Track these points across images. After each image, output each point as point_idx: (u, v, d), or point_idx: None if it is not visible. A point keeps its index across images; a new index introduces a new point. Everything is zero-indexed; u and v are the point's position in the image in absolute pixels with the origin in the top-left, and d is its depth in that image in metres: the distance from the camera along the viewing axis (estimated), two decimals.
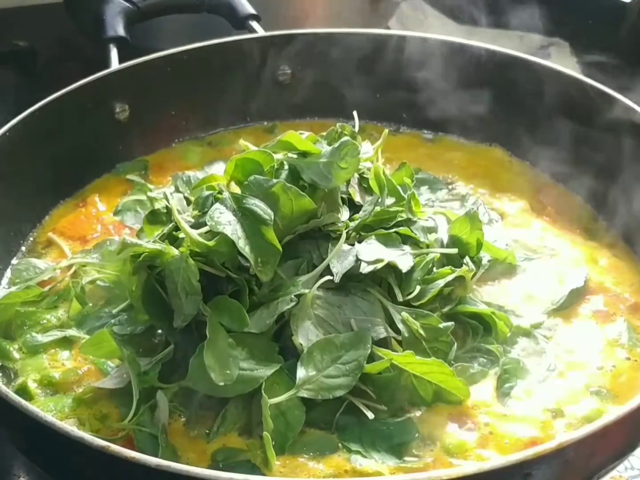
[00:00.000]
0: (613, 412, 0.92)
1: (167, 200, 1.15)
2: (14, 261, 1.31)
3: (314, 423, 1.03)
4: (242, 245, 1.04)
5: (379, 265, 1.08)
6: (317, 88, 1.58)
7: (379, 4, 1.98)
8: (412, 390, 1.04)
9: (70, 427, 0.89)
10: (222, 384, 0.99)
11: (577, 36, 1.90)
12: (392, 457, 1.00)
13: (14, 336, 1.17)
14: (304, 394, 1.00)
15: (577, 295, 1.21)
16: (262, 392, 1.00)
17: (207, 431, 1.03)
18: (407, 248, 1.13)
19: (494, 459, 0.95)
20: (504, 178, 1.46)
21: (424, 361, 1.04)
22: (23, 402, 0.92)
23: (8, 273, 1.29)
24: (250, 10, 1.67)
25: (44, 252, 1.33)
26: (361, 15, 1.97)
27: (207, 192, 1.13)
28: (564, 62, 1.75)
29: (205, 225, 1.06)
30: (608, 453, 0.95)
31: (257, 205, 1.06)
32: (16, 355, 1.15)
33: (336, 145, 1.16)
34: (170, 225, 1.12)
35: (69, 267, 1.26)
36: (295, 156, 1.16)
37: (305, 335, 1.04)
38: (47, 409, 1.06)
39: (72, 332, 1.16)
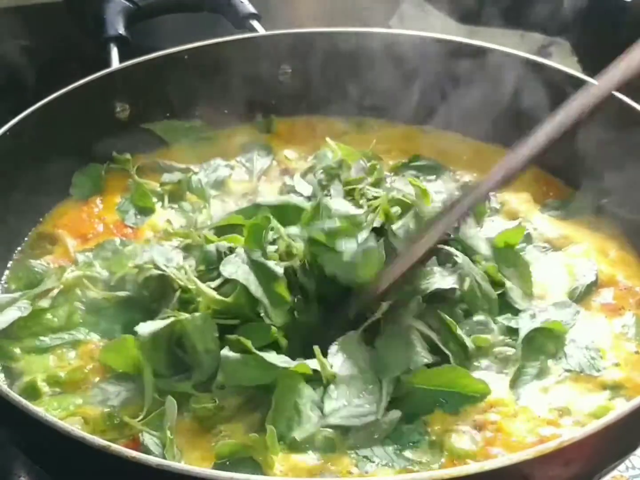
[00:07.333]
0: (620, 408, 0.92)
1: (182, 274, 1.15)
2: (14, 260, 1.31)
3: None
4: (254, 290, 1.08)
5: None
6: (318, 87, 1.58)
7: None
8: (434, 401, 1.05)
9: (70, 426, 0.88)
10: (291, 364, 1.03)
11: (577, 36, 1.90)
12: (400, 459, 0.99)
13: (18, 336, 1.16)
14: (337, 421, 1.01)
15: (588, 291, 1.21)
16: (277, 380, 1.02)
17: (214, 426, 1.03)
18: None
19: (495, 459, 0.95)
20: None
21: (436, 371, 1.05)
22: (23, 401, 0.92)
23: (7, 272, 1.28)
24: (251, 9, 1.67)
25: (45, 250, 1.32)
26: (361, 14, 1.97)
27: (213, 249, 1.16)
28: (564, 62, 1.75)
29: (212, 279, 1.11)
30: (609, 452, 0.95)
31: (266, 261, 1.11)
32: (20, 355, 1.14)
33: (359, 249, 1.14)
34: (178, 293, 1.13)
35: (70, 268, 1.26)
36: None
37: (338, 364, 1.05)
38: (52, 408, 1.05)
39: (79, 335, 1.16)
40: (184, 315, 1.08)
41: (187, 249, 1.23)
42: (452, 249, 1.16)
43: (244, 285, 1.08)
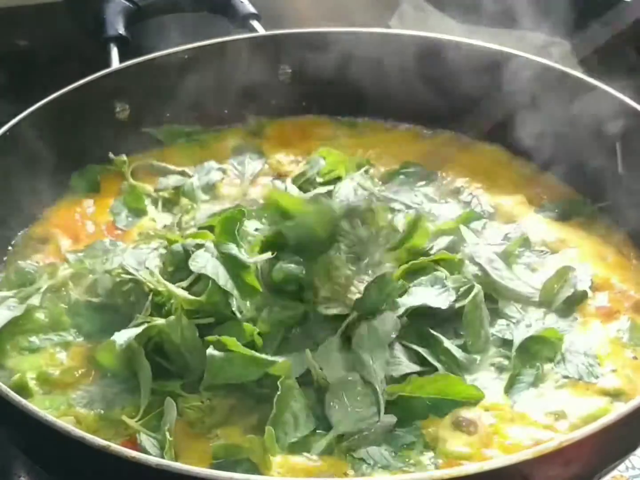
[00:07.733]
0: (619, 408, 0.92)
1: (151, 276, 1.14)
2: (4, 263, 1.30)
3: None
4: (223, 282, 1.08)
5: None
6: (318, 87, 1.58)
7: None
8: (428, 408, 1.05)
9: (71, 426, 0.89)
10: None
11: (577, 35, 1.90)
12: (396, 461, 0.99)
13: (11, 333, 1.16)
14: (346, 428, 1.00)
15: (584, 297, 1.20)
16: (279, 384, 1.01)
17: (210, 429, 1.03)
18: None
19: (495, 459, 0.95)
20: (500, 172, 1.45)
21: (428, 379, 1.04)
22: (23, 401, 0.92)
23: (1, 275, 1.28)
24: (251, 9, 1.67)
25: (35, 249, 1.32)
26: (362, 14, 1.97)
27: (180, 248, 1.15)
28: (564, 62, 1.75)
29: (183, 279, 1.11)
30: (609, 453, 0.95)
31: (237, 252, 1.11)
32: (12, 352, 1.14)
33: None
34: (150, 297, 1.11)
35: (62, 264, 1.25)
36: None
37: (331, 369, 1.05)
38: (43, 407, 1.04)
39: (69, 336, 1.16)
40: (160, 320, 1.07)
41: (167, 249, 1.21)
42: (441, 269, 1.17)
43: (215, 280, 1.08)
